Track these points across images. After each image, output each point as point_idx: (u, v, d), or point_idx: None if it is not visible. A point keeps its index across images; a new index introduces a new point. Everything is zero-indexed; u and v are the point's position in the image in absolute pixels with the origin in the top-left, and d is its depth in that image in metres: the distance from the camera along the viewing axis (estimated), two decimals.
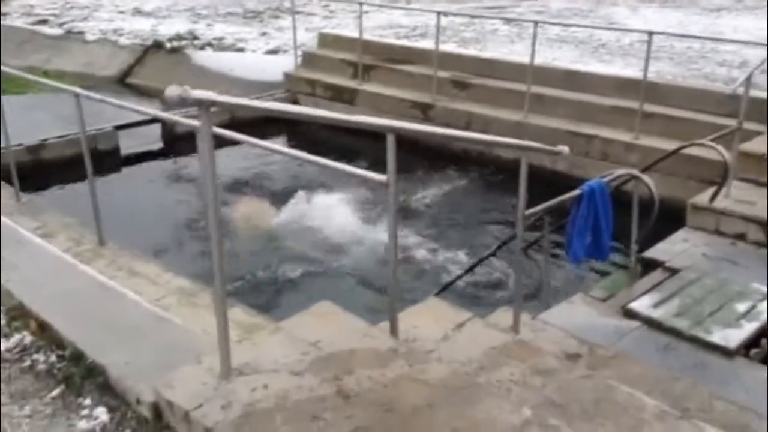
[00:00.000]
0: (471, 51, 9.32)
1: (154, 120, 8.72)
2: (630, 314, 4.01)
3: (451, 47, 9.28)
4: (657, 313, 3.98)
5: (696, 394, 3.00)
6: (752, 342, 3.80)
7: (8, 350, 2.79)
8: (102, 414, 2.42)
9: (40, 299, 3.02)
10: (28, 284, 3.18)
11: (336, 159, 2.98)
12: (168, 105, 2.20)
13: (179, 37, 12.38)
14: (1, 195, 4.78)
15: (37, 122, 8.36)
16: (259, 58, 11.31)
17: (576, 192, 3.64)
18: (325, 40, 10.43)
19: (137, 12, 14.95)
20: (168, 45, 12.00)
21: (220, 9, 15.49)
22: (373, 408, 2.24)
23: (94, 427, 2.38)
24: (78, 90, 4.10)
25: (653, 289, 4.27)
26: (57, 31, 13.53)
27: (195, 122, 2.68)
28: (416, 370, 2.45)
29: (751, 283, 4.31)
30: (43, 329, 2.83)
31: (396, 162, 2.62)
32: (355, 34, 9.30)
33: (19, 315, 2.97)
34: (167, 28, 12.88)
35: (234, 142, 3.74)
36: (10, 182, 4.89)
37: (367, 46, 9.18)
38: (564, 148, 3.44)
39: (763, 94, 6.38)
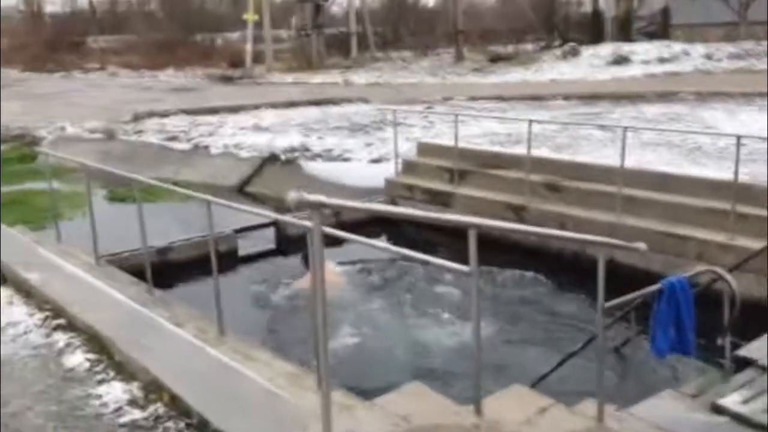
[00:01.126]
0: (562, 155, 9.68)
1: (268, 224, 9.62)
2: (718, 410, 4.05)
3: (544, 152, 9.68)
4: (746, 409, 4.00)
5: None
6: None
7: (144, 419, 3.27)
8: None
9: (173, 375, 3.51)
10: (162, 362, 3.70)
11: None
12: (290, 206, 2.69)
13: (292, 149, 13.49)
14: (137, 290, 5.45)
15: (163, 227, 9.33)
16: (364, 166, 12.14)
17: (656, 287, 3.84)
18: (423, 148, 11.12)
19: (256, 128, 16.38)
20: (282, 157, 13.10)
21: (329, 123, 16.71)
22: None
23: None
24: (209, 197, 4.77)
25: (744, 386, 4.30)
26: (185, 146, 15.05)
27: (307, 222, 3.19)
28: None
29: None
30: (174, 401, 3.30)
31: (477, 254, 2.99)
32: (451, 143, 9.92)
33: (154, 389, 3.46)
34: (282, 141, 14.04)
35: (338, 242, 4.25)
36: (144, 279, 5.60)
37: (462, 153, 9.76)
38: (641, 245, 3.69)
39: None
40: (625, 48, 29.69)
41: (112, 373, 3.71)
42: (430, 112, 15.35)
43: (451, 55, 36.85)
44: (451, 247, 6.41)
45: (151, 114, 19.21)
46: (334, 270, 7.31)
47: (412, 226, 8.74)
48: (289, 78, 31.25)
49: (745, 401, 4.10)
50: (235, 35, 43.64)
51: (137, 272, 6.15)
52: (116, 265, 6.69)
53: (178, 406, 3.27)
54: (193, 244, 8.59)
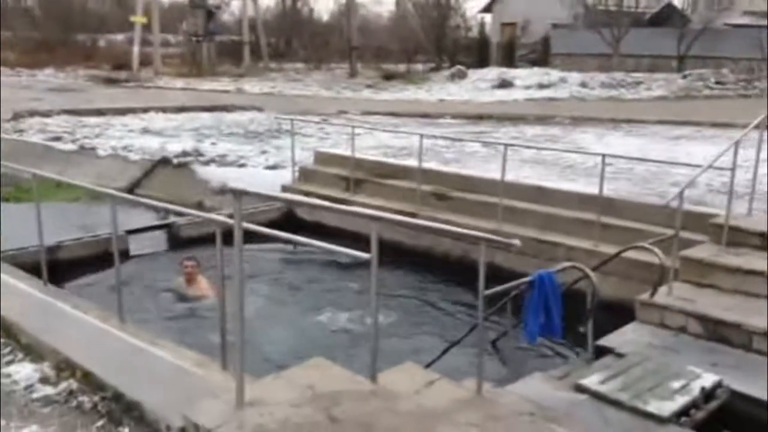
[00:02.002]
0: (450, 168, 10.33)
1: (159, 226, 9.64)
2: (580, 389, 4.64)
3: (434, 165, 10.28)
4: (604, 388, 4.61)
5: None
6: (683, 412, 4.42)
7: (57, 394, 3.40)
8: None
9: (83, 355, 3.65)
10: (71, 344, 3.82)
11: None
12: (215, 192, 2.96)
13: (185, 153, 13.41)
14: (35, 282, 5.44)
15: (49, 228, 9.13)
16: (259, 172, 12.27)
17: (528, 278, 4.38)
18: (320, 157, 11.46)
19: (146, 131, 16.13)
20: (174, 161, 13.01)
21: (223, 129, 16.71)
22: (354, 428, 2.87)
23: None
24: (113, 192, 4.89)
25: (602, 370, 4.92)
26: (70, 146, 14.60)
27: (218, 217, 3.45)
28: (390, 405, 3.09)
29: (687, 366, 4.96)
30: (87, 377, 3.45)
31: (378, 245, 3.37)
32: (347, 153, 10.33)
33: (65, 367, 3.59)
34: (174, 146, 13.93)
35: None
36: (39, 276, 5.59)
37: (358, 163, 10.19)
38: (516, 242, 4.20)
39: (702, 209, 7.28)
40: (509, 73, 31.44)
41: (20, 355, 3.78)
42: (328, 123, 15.75)
43: (345, 71, 37.50)
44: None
45: (32, 113, 18.42)
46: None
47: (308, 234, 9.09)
48: (179, 83, 30.74)
49: (603, 381, 4.70)
50: (119, 37, 42.32)
51: (27, 270, 6.12)
52: (7, 262, 6.57)
53: (91, 382, 3.43)
54: (81, 244, 8.52)
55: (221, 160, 13.27)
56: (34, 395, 3.35)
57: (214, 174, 12.38)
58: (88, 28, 43.19)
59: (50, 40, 39.64)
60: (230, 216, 3.21)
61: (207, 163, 13.16)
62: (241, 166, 12.92)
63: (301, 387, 3.20)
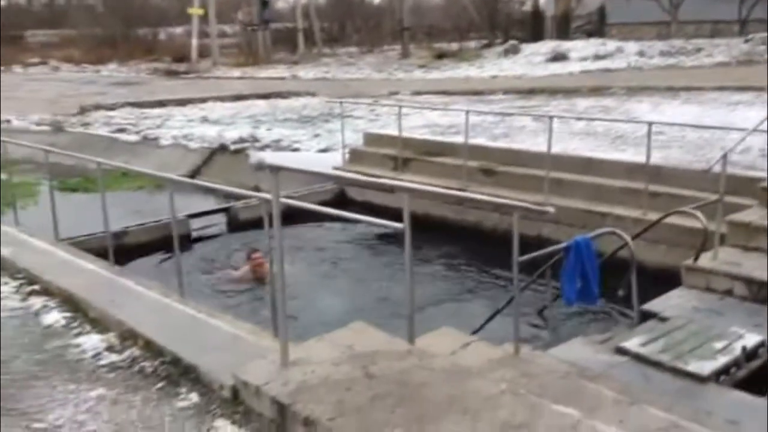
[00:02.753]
0: (497, 143, 10.38)
1: (218, 210, 10.07)
2: (621, 351, 4.72)
3: (481, 141, 10.35)
4: (644, 350, 4.68)
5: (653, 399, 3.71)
6: (724, 371, 4.46)
7: (122, 360, 3.73)
8: (195, 397, 3.31)
9: (145, 326, 3.98)
10: (134, 316, 4.15)
11: None
12: (252, 167, 3.18)
13: (242, 140, 13.85)
14: (101, 264, 5.84)
15: (115, 214, 9.66)
16: (312, 155, 12.60)
17: (564, 245, 4.48)
18: (369, 138, 11.67)
19: (204, 120, 16.66)
20: (232, 147, 13.46)
21: (278, 115, 17.11)
22: (389, 384, 3.08)
23: (190, 405, 3.26)
24: (172, 176, 5.21)
25: (645, 333, 4.99)
26: (134, 137, 15.25)
27: (265, 195, 3.68)
28: (424, 363, 3.28)
29: (731, 327, 4.98)
30: (149, 345, 3.77)
31: (410, 213, 3.54)
32: (395, 133, 10.50)
33: (129, 337, 3.92)
34: (231, 133, 14.39)
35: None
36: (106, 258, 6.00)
37: (405, 142, 10.35)
38: (549, 208, 4.30)
39: (751, 173, 7.17)
40: (564, 46, 30.87)
41: (88, 327, 4.14)
42: (377, 104, 15.94)
43: (397, 52, 37.53)
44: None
45: (97, 106, 19.24)
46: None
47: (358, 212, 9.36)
48: (236, 72, 31.42)
49: (644, 344, 4.78)
50: (178, 30, 43.43)
51: (94, 254, 6.55)
52: (76, 247, 7.02)
53: (152, 349, 3.75)
54: (145, 229, 8.97)
55: (276, 145, 13.65)
56: (101, 362, 3.68)
57: (268, 158, 12.80)
58: (149, 22, 44.50)
59: (113, 36, 41.02)
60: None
61: (262, 148, 13.56)
62: (295, 150, 13.28)
63: (342, 347, 3.43)
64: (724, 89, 15.98)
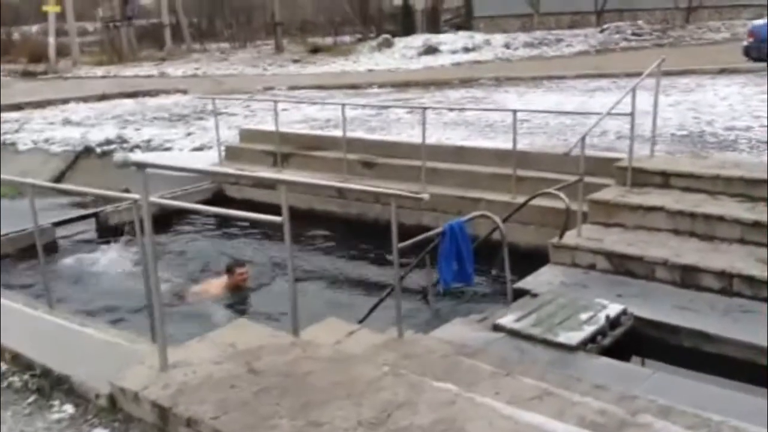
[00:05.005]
0: (375, 135, 10.54)
1: (86, 216, 9.60)
2: (497, 328, 4.96)
3: (360, 134, 10.46)
4: (518, 325, 4.94)
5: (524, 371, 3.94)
6: (590, 340, 4.79)
7: None
8: (69, 408, 3.16)
9: (11, 339, 3.74)
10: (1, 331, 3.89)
11: None
12: (115, 166, 3.07)
13: (108, 141, 13.24)
14: None
15: None
16: (186, 154, 12.25)
17: (440, 229, 4.64)
18: (246, 135, 11.50)
19: (67, 122, 15.77)
20: (98, 150, 12.84)
21: (147, 114, 16.47)
22: (274, 377, 3.08)
23: (64, 417, 3.11)
24: (32, 181, 4.91)
25: (518, 310, 5.26)
26: None
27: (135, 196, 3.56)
28: (309, 353, 3.31)
29: (595, 299, 5.35)
30: (16, 359, 3.55)
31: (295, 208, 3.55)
32: (271, 129, 10.40)
33: None
34: (96, 135, 13.71)
35: None
36: None
37: (284, 137, 10.28)
38: (425, 196, 4.45)
39: (608, 154, 7.70)
40: (434, 39, 31.62)
41: None
42: (252, 99, 15.71)
43: (271, 47, 37.06)
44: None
45: None
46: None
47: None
48: (99, 71, 29.89)
49: (518, 319, 5.04)
50: (34, 28, 40.76)
51: None
52: None
53: (20, 363, 3.53)
54: (10, 240, 8.41)
55: (146, 146, 13.16)
56: None
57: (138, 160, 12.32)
58: (1, 22, 41.39)
59: None
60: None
61: (132, 149, 13.04)
62: (167, 149, 12.86)
63: (223, 345, 3.39)
64: (582, 77, 16.98)
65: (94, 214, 9.54)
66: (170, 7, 39.14)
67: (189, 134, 13.76)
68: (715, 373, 4.55)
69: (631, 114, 6.83)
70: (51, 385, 3.33)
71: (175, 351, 3.35)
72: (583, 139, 6.18)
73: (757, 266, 5.34)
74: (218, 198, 10.38)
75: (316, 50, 34.70)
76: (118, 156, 2.97)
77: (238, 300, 6.72)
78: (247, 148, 11.02)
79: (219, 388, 3.00)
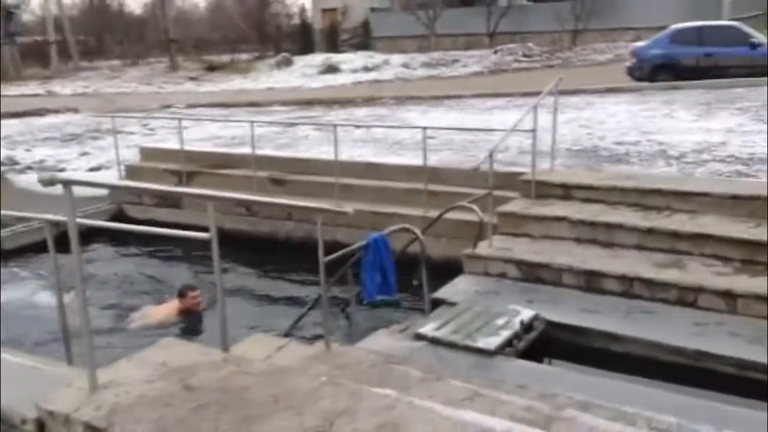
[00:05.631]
0: (285, 153, 10.54)
1: None
2: (419, 337, 5.09)
3: (268, 151, 10.43)
4: (439, 333, 5.09)
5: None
6: (507, 344, 5.00)
7: None
8: None
9: None
10: None
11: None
12: (41, 184, 2.96)
13: None
14: None
15: None
16: (82, 175, 11.77)
17: (363, 243, 4.73)
18: (147, 153, 11.20)
19: None
20: None
21: (37, 135, 15.71)
22: (210, 393, 3.06)
23: None
24: None
25: (437, 318, 5.41)
26: None
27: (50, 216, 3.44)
28: (243, 368, 3.30)
29: (509, 305, 5.59)
30: None
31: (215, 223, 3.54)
32: (175, 146, 10.19)
33: None
34: None
35: None
36: None
37: (189, 156, 10.10)
38: (349, 209, 4.54)
39: (513, 169, 8.07)
40: (334, 58, 31.96)
41: None
42: (152, 117, 15.31)
43: (165, 65, 36.21)
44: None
45: None
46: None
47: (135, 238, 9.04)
48: None
49: (438, 328, 5.19)
50: None
51: None
52: None
53: None
54: None
55: (39, 166, 12.59)
56: None
57: (32, 182, 11.72)
58: None
59: None
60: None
61: (23, 170, 12.43)
62: (61, 170, 12.32)
63: (154, 364, 3.32)
64: (480, 96, 17.64)
65: None
66: (56, 25, 37.57)
67: (84, 154, 13.27)
68: (623, 371, 4.85)
69: (533, 130, 7.19)
70: None
71: (102, 372, 3.25)
72: (491, 155, 6.45)
73: (653, 270, 5.74)
74: (119, 218, 10.03)
75: (212, 68, 34.25)
76: (44, 174, 2.88)
77: (190, 323, 6.53)
78: (148, 167, 10.72)
79: (154, 407, 2.94)
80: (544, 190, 7.21)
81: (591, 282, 5.88)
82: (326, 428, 2.72)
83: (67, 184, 2.97)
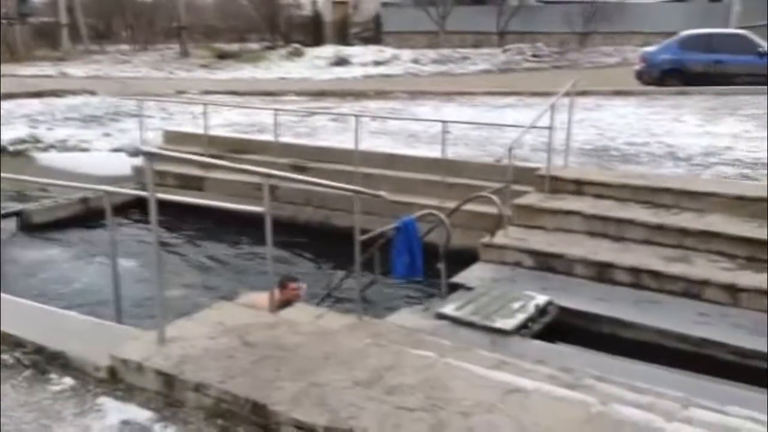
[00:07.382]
0: (305, 141, 10.87)
1: (8, 215, 9.39)
2: (441, 316, 5.43)
3: (288, 138, 10.75)
4: (459, 314, 5.43)
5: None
6: (523, 326, 5.35)
7: None
8: (68, 380, 3.34)
9: None
10: None
11: None
12: (127, 154, 3.29)
13: (21, 141, 12.84)
14: None
15: None
16: (105, 156, 12.09)
17: (395, 224, 5.07)
18: (170, 136, 11.52)
19: None
20: (10, 148, 12.44)
21: (57, 115, 16.01)
22: (268, 348, 3.39)
23: (65, 388, 3.29)
24: None
25: (456, 301, 5.75)
26: None
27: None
28: (294, 329, 3.64)
29: (524, 291, 5.92)
30: (4, 338, 3.66)
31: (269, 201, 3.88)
32: (198, 131, 10.52)
33: None
34: (8, 134, 13.25)
35: None
36: None
37: (211, 140, 10.42)
38: (383, 193, 4.87)
39: (528, 164, 8.39)
40: (345, 51, 32.23)
41: None
42: (182, 101, 15.67)
43: (175, 51, 36.48)
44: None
45: None
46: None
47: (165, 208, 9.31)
48: None
49: (458, 309, 5.53)
50: None
51: None
52: None
53: (8, 342, 3.65)
54: None
55: (62, 146, 12.89)
56: None
57: (55, 160, 12.05)
58: None
59: None
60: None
61: (46, 149, 12.74)
62: (84, 150, 12.64)
63: (213, 323, 3.66)
64: (491, 94, 17.95)
65: (16, 213, 9.35)
66: (68, 7, 37.77)
67: (106, 135, 13.57)
68: (631, 355, 5.18)
69: (550, 128, 7.52)
70: (46, 360, 3.47)
71: (167, 328, 3.58)
72: (510, 149, 6.79)
73: (661, 263, 6.07)
74: (143, 198, 10.35)
75: (223, 56, 34.50)
76: (131, 146, 3.21)
77: None
78: (172, 150, 11.01)
79: (219, 358, 3.27)
80: (557, 185, 7.54)
81: (602, 273, 6.21)
82: (376, 379, 3.06)
83: (150, 156, 3.30)
